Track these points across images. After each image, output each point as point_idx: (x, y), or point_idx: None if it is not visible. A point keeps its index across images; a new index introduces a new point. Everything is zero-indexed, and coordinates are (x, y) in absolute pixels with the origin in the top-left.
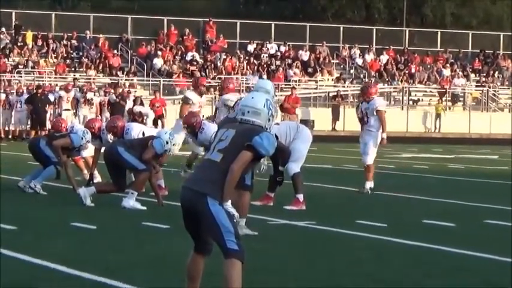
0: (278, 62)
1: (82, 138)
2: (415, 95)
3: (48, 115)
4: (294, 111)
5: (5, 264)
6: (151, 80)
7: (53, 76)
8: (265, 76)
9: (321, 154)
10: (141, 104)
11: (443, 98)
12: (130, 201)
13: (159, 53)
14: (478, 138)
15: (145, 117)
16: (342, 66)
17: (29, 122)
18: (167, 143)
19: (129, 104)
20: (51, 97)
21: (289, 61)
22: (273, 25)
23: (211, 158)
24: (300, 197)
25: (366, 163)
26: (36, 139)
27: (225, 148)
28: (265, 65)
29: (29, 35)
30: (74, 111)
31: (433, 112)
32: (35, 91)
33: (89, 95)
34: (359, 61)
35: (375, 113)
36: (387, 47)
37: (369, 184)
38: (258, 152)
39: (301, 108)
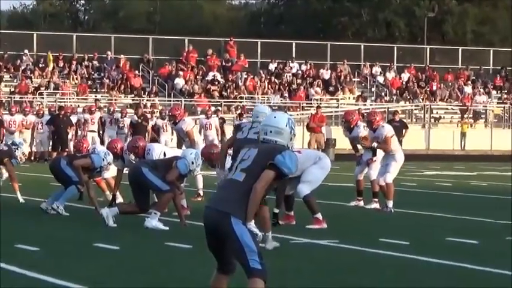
0: (299, 81)
1: (103, 160)
2: (437, 112)
3: (70, 136)
4: (320, 129)
5: (29, 285)
6: (173, 100)
7: (75, 97)
8: (286, 95)
9: (342, 173)
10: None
11: (465, 116)
12: (153, 222)
13: (181, 73)
14: (500, 155)
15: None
16: (363, 85)
17: (50, 143)
18: (192, 163)
19: (151, 124)
20: (73, 119)
21: (311, 80)
22: (294, 44)
23: (234, 178)
24: (319, 215)
25: (386, 181)
26: (57, 159)
27: (248, 167)
28: (286, 84)
29: (50, 56)
30: (101, 132)
31: (454, 129)
32: (57, 112)
33: (116, 115)
34: (380, 79)
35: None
36: (408, 65)
37: (390, 203)
38: (280, 171)
39: (324, 127)
